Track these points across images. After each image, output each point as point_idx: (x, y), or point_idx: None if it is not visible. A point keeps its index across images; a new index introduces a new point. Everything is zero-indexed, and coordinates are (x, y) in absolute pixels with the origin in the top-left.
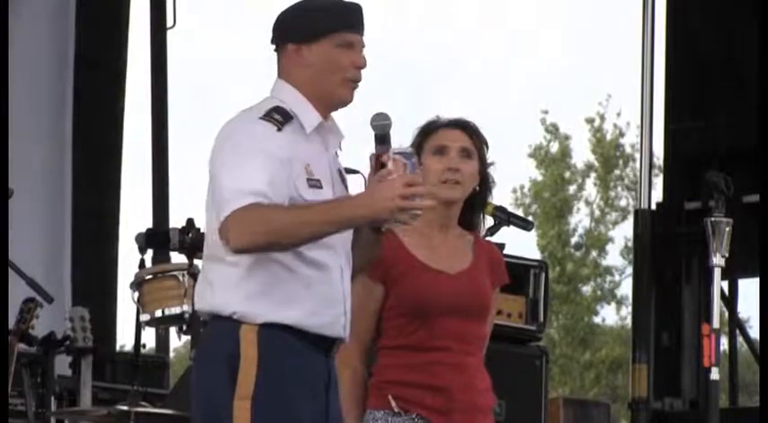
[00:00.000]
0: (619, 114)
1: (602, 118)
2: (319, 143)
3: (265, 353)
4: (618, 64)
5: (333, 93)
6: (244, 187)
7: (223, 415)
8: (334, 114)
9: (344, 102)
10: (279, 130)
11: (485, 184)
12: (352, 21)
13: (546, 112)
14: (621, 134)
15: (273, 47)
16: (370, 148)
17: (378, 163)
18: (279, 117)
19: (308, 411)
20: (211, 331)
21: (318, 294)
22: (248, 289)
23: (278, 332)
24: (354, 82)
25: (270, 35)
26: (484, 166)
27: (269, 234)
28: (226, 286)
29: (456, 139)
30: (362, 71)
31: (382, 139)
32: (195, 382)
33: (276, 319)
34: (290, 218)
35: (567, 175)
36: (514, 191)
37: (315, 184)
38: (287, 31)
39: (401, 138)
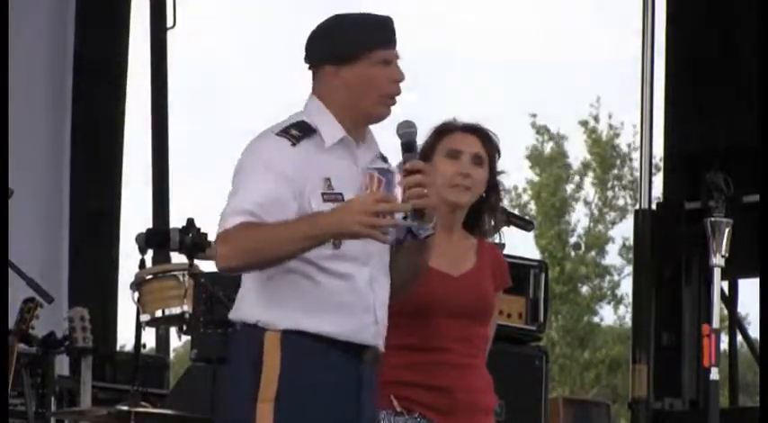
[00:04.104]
0: (611, 116)
1: (596, 119)
2: (347, 157)
3: (288, 357)
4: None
5: (371, 111)
6: (234, 208)
7: (248, 417)
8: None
9: (382, 118)
10: (293, 145)
11: (495, 191)
12: (388, 37)
13: (534, 116)
14: (616, 134)
15: (308, 66)
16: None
17: (404, 170)
18: (296, 132)
19: (335, 414)
20: (239, 338)
21: (341, 303)
22: (271, 298)
23: (301, 338)
24: (392, 97)
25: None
26: (493, 173)
27: (249, 253)
28: (251, 296)
29: (470, 145)
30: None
31: (408, 146)
32: (224, 386)
33: (299, 326)
34: (268, 237)
35: (565, 175)
36: (509, 191)
37: (333, 197)
38: (324, 53)
39: (395, 138)
